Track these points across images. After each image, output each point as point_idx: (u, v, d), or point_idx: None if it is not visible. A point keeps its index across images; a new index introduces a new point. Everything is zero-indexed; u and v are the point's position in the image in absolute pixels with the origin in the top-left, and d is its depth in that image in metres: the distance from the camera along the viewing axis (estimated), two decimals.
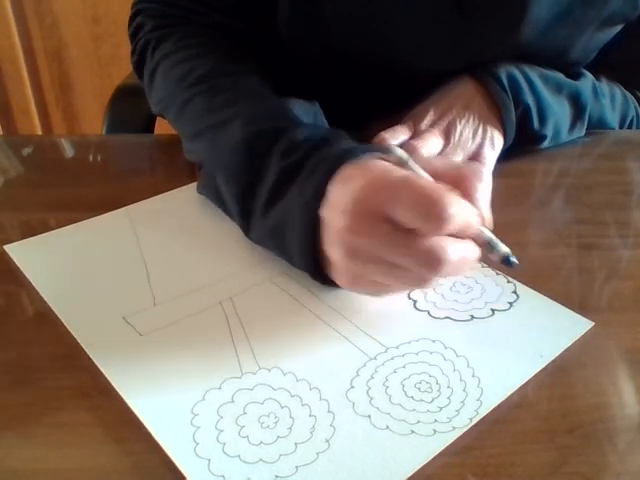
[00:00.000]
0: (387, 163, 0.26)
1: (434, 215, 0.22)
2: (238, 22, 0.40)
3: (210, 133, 0.33)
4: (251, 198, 0.29)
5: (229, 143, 0.31)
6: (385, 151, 0.26)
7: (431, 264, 0.23)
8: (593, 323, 0.26)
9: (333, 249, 0.25)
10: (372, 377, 0.23)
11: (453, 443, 0.21)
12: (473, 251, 0.24)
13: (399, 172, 0.25)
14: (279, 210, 0.28)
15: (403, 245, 0.23)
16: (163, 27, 0.41)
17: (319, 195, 0.26)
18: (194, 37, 0.39)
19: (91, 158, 0.42)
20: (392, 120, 0.37)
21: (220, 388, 0.23)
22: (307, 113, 0.33)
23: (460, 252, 0.23)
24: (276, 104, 0.33)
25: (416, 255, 0.23)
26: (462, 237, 0.24)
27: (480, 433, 0.21)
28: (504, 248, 0.25)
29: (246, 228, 0.30)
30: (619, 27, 0.40)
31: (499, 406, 0.22)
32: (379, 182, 0.24)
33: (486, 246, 0.25)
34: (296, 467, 0.20)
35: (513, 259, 0.25)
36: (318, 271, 0.27)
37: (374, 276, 0.25)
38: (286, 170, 0.28)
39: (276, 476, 0.20)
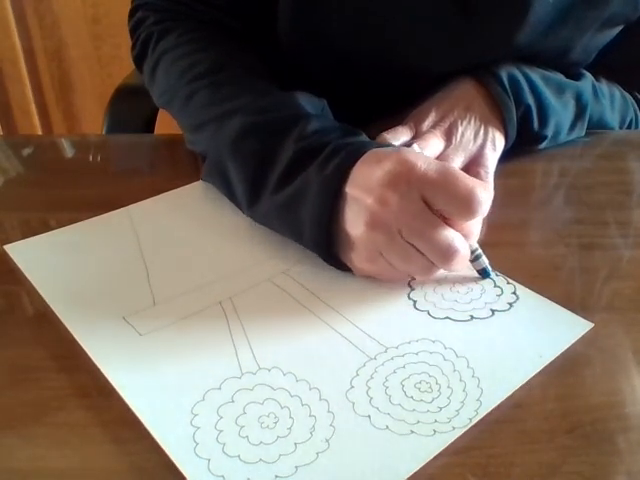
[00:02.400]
0: (417, 151, 0.27)
1: (469, 202, 0.24)
2: (234, 20, 0.41)
3: (216, 122, 0.33)
4: (263, 178, 0.29)
5: (239, 130, 0.31)
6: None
7: (446, 255, 0.25)
8: (592, 324, 0.26)
9: (358, 222, 0.26)
10: (372, 377, 0.23)
11: (453, 443, 0.21)
12: (468, 254, 0.27)
13: (433, 159, 0.26)
14: (293, 187, 0.28)
15: (427, 228, 0.25)
16: (164, 21, 0.41)
17: (342, 174, 0.27)
18: (195, 32, 0.40)
19: (91, 158, 0.42)
20: (393, 121, 0.37)
21: (220, 388, 0.23)
22: (315, 107, 0.33)
23: (466, 251, 0.26)
24: (285, 96, 0.33)
25: (437, 243, 0.25)
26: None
27: (480, 433, 0.21)
28: (486, 261, 0.29)
29: (251, 207, 0.30)
30: (619, 28, 0.40)
31: (499, 406, 0.22)
32: (416, 163, 0.25)
33: (472, 254, 0.28)
34: (296, 467, 0.20)
35: (490, 271, 0.29)
36: (328, 248, 0.27)
37: (391, 255, 0.26)
38: (303, 152, 0.28)
39: (276, 476, 0.20)
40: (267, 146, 0.30)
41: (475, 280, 0.29)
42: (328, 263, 0.28)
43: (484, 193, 0.25)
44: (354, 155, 0.27)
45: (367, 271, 0.28)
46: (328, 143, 0.28)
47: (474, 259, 0.28)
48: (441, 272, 0.28)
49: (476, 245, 0.28)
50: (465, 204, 0.25)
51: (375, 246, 0.26)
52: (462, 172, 0.25)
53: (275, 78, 0.36)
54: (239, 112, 0.32)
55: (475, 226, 0.27)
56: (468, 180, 0.25)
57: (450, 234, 0.25)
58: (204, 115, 0.34)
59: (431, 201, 0.25)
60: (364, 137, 0.31)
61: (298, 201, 0.28)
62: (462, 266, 0.27)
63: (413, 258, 0.26)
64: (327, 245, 0.27)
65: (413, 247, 0.26)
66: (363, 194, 0.26)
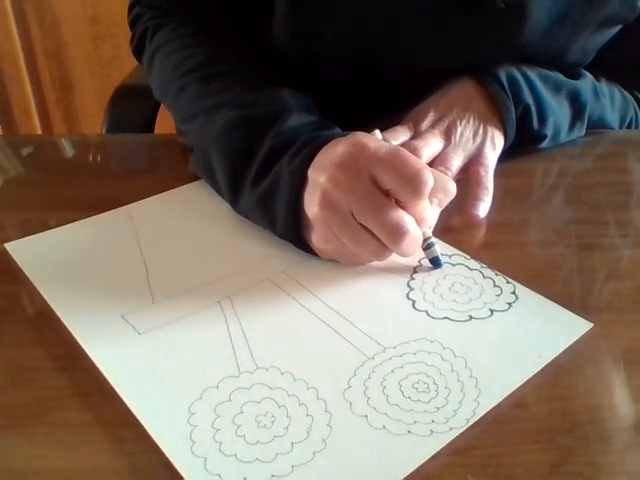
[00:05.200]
0: (374, 136, 0.28)
1: (415, 180, 0.25)
2: (226, 18, 0.42)
3: (205, 114, 0.34)
4: (242, 172, 0.31)
5: (223, 124, 0.32)
6: None
7: (395, 235, 0.26)
8: (592, 324, 0.26)
9: (313, 202, 0.27)
10: (369, 377, 0.23)
11: (453, 443, 0.21)
12: (420, 239, 0.28)
13: (386, 142, 0.27)
14: (267, 180, 0.29)
15: (377, 208, 0.26)
16: (159, 16, 0.43)
17: (308, 161, 0.28)
18: (189, 26, 0.41)
19: (91, 158, 0.42)
20: (392, 120, 0.37)
21: (217, 387, 0.23)
22: (300, 102, 0.34)
23: (418, 235, 0.27)
24: (269, 92, 0.34)
25: (386, 223, 0.25)
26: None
27: (480, 433, 0.21)
28: (438, 251, 0.29)
29: (234, 201, 0.32)
30: (617, 28, 0.40)
31: (499, 406, 0.22)
32: (367, 144, 0.26)
33: (424, 242, 0.29)
34: (292, 466, 0.20)
35: (441, 261, 0.29)
36: (299, 235, 0.29)
37: (343, 236, 0.27)
38: (277, 147, 0.30)
39: (272, 475, 0.20)
40: (248, 141, 0.31)
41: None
42: (299, 248, 0.29)
43: (430, 176, 0.26)
44: (320, 145, 0.28)
45: (325, 252, 0.29)
46: (299, 137, 0.30)
47: (426, 247, 0.29)
48: (406, 260, 0.29)
49: (429, 233, 0.29)
50: (411, 182, 0.25)
51: (328, 225, 0.27)
52: (412, 154, 0.26)
53: (265, 73, 0.37)
54: (226, 106, 0.33)
55: (427, 213, 0.28)
56: (416, 162, 0.26)
57: (400, 215, 0.26)
58: (193, 107, 0.35)
59: (379, 179, 0.26)
60: (337, 130, 0.32)
61: (271, 193, 0.29)
62: (414, 250, 0.27)
63: (364, 240, 0.26)
64: (297, 231, 0.28)
65: (365, 230, 0.26)
66: (317, 174, 0.27)
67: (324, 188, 0.26)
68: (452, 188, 0.30)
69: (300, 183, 0.28)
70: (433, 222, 0.30)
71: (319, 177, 0.27)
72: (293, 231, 0.29)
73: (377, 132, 0.30)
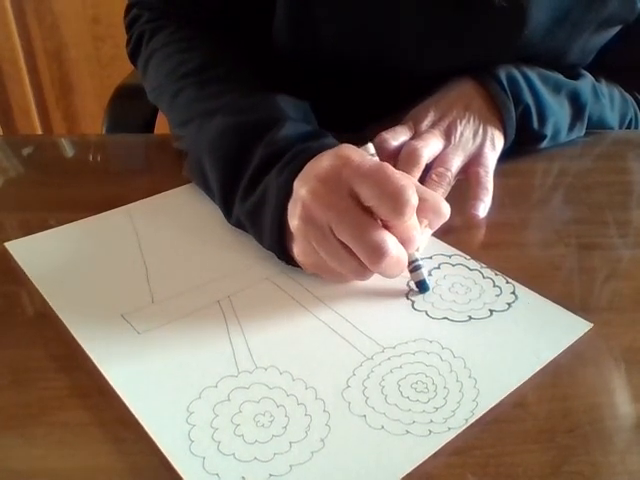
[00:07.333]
0: (361, 150, 0.27)
1: (396, 198, 0.24)
2: (225, 20, 0.41)
3: (199, 120, 0.34)
4: (233, 184, 0.30)
5: (217, 131, 0.32)
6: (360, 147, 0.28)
7: (375, 255, 0.24)
8: (592, 325, 0.26)
9: (294, 215, 0.26)
10: (368, 377, 0.23)
11: (453, 443, 0.21)
12: (405, 261, 0.26)
13: (371, 157, 0.27)
14: (256, 194, 0.29)
15: (356, 225, 0.24)
16: (157, 19, 0.42)
17: (295, 174, 0.27)
18: (186, 30, 0.41)
19: (91, 158, 0.42)
20: (392, 120, 0.37)
21: (216, 386, 0.23)
22: (296, 109, 0.33)
23: (401, 255, 0.25)
24: (264, 98, 0.33)
25: (366, 242, 0.24)
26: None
27: (480, 433, 0.21)
28: (424, 274, 0.28)
29: (227, 212, 0.31)
30: (616, 29, 0.40)
31: (499, 406, 0.22)
32: (351, 158, 0.25)
33: (411, 264, 0.27)
34: (290, 466, 0.20)
35: (428, 286, 0.28)
36: (283, 248, 0.28)
37: (322, 251, 0.26)
38: (268, 158, 0.29)
39: (270, 475, 0.20)
40: (240, 150, 0.30)
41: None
42: (283, 261, 0.29)
43: (414, 194, 0.24)
44: (310, 157, 0.27)
45: (307, 265, 0.28)
46: (290, 148, 0.29)
47: (412, 269, 0.27)
48: (394, 282, 0.27)
49: (417, 256, 0.27)
50: (392, 199, 0.24)
51: (308, 239, 0.26)
52: (398, 171, 0.25)
53: (264, 78, 0.36)
54: (220, 112, 0.33)
55: (415, 233, 0.26)
56: (400, 178, 0.24)
57: (381, 234, 0.24)
58: (188, 112, 0.35)
59: (361, 194, 0.24)
60: (330, 140, 0.30)
61: (259, 206, 0.29)
62: (397, 272, 0.26)
63: (343, 258, 0.25)
64: (282, 243, 0.28)
65: (345, 247, 0.25)
66: (300, 185, 0.26)
67: (304, 200, 0.25)
68: (445, 210, 0.28)
69: (286, 195, 0.27)
70: (422, 244, 0.28)
71: (301, 189, 0.26)
72: (277, 243, 0.28)
73: (370, 145, 0.28)
